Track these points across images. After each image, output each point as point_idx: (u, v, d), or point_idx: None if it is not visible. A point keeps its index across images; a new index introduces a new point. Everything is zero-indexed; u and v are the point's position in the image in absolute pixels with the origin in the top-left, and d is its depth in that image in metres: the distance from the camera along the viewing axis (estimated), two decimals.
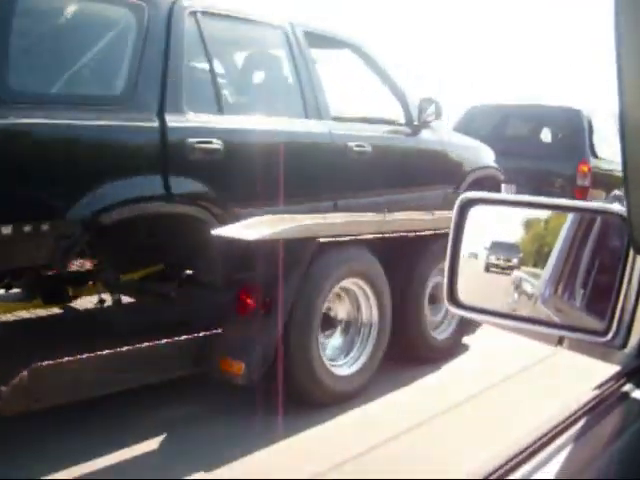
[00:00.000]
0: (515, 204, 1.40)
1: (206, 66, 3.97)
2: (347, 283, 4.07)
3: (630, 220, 0.90)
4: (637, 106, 0.79)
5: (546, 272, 1.29)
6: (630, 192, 0.85)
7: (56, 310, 4.75)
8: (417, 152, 5.23)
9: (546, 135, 8.43)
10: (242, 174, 4.00)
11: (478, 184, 5.87)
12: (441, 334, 4.89)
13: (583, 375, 1.55)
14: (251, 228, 3.63)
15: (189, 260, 4.12)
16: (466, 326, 5.04)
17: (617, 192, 8.14)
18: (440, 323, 4.94)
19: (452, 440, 3.52)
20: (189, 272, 4.25)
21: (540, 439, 0.90)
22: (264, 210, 3.99)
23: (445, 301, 1.38)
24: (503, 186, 6.26)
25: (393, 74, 5.15)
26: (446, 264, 1.35)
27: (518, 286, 1.33)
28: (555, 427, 0.92)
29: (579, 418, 0.95)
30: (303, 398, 3.86)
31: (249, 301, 3.71)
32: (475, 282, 1.38)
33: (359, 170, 4.68)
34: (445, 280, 1.36)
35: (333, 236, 3.85)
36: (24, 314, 4.51)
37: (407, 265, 4.53)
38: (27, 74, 3.38)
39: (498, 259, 1.35)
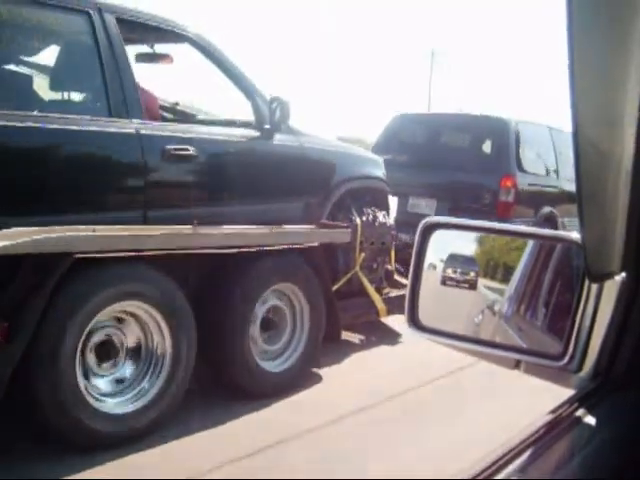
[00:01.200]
0: (476, 229, 1.41)
1: None
2: (128, 307, 3.51)
3: (585, 248, 0.94)
4: (591, 126, 0.78)
5: (509, 290, 1.30)
6: (584, 220, 0.88)
7: None
8: (265, 158, 4.66)
9: (472, 147, 7.84)
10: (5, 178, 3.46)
11: (355, 196, 5.30)
12: (280, 365, 4.31)
13: (537, 399, 1.59)
14: None
15: None
16: (313, 355, 4.46)
17: (547, 210, 7.52)
18: (280, 352, 4.36)
19: None
20: None
21: (490, 466, 0.87)
22: (42, 221, 3.44)
23: (406, 323, 1.39)
24: (423, 201, 5.69)
25: (240, 70, 4.60)
26: (408, 286, 1.38)
27: (481, 302, 1.33)
28: (506, 454, 0.90)
29: (531, 444, 0.94)
30: (61, 439, 3.30)
31: None
32: (432, 296, 1.39)
33: (180, 177, 4.14)
34: (406, 302, 1.38)
35: (95, 252, 3.28)
36: None
37: (223, 287, 3.95)
38: None
39: (455, 272, 1.37)
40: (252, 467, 3.28)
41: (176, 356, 3.64)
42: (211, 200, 4.32)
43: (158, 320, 3.60)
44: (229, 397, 4.04)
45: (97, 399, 3.41)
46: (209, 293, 3.90)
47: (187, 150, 4.11)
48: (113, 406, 3.48)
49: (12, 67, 3.96)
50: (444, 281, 1.37)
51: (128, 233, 3.49)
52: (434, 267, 1.38)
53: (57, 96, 4.12)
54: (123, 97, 3.91)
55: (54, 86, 4.13)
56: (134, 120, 3.94)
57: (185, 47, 4.58)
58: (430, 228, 1.36)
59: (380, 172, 5.62)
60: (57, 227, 3.33)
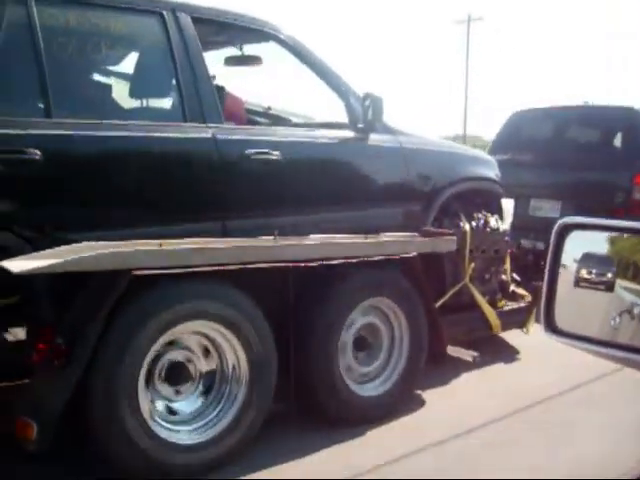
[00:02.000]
0: (617, 230, 1.35)
1: (34, 63, 3.26)
2: (200, 327, 3.22)
3: None
4: None
5: None
6: None
7: None
8: (360, 160, 4.28)
9: (600, 142, 7.07)
10: (74, 190, 3.30)
11: (463, 199, 4.81)
12: (376, 388, 3.90)
13: None
14: (38, 258, 2.89)
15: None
16: (414, 377, 4.02)
17: None
18: (377, 374, 3.94)
19: None
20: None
21: None
22: (116, 234, 3.26)
23: (543, 328, 1.36)
24: (547, 203, 5.13)
25: (331, 68, 4.24)
26: (543, 290, 1.36)
27: (619, 304, 1.25)
28: None
29: None
30: (120, 468, 3.05)
31: (44, 348, 2.96)
32: (565, 299, 1.35)
33: (263, 184, 3.82)
34: (542, 305, 1.36)
35: (156, 268, 3.01)
36: None
37: (308, 303, 3.58)
38: None
39: (590, 273, 1.31)
40: None
41: (253, 381, 3.31)
42: (299, 208, 3.98)
43: (233, 343, 3.28)
44: (314, 423, 3.68)
45: (165, 427, 3.14)
46: (291, 311, 3.54)
47: (270, 154, 3.81)
48: (183, 435, 3.19)
49: (83, 74, 3.79)
50: (577, 282, 1.33)
51: (195, 246, 3.20)
52: (564, 267, 1.35)
53: (131, 103, 3.93)
54: (199, 101, 3.66)
55: (129, 92, 3.94)
56: (211, 124, 3.68)
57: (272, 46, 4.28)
58: (567, 229, 1.34)
59: (492, 173, 5.09)
60: (116, 242, 3.11)
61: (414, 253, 3.92)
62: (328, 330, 3.61)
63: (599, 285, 1.29)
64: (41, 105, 3.26)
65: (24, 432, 2.89)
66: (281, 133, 4.06)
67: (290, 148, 3.93)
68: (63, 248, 3.05)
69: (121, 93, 3.86)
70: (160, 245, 3.13)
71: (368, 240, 3.81)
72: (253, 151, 3.75)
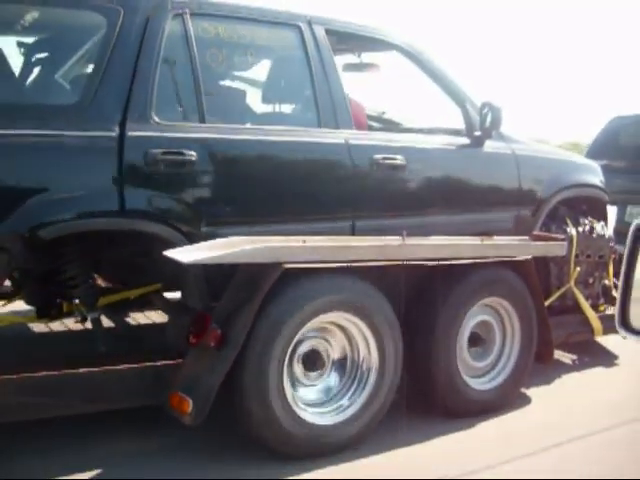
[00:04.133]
0: None
1: (191, 72, 3.59)
2: (335, 318, 3.49)
3: None
4: None
5: None
6: None
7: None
8: (475, 166, 4.48)
9: None
10: (225, 189, 3.62)
11: (570, 205, 4.96)
12: (486, 383, 4.11)
13: None
14: (200, 250, 3.21)
15: (171, 283, 3.79)
16: (523, 374, 4.21)
17: None
18: (488, 370, 4.15)
19: None
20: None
21: None
22: (255, 230, 3.57)
23: (617, 325, 1.40)
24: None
25: (450, 76, 4.46)
26: (619, 289, 1.40)
27: None
28: None
29: None
30: (264, 445, 3.35)
31: (201, 332, 3.28)
32: None
33: (389, 187, 4.08)
34: (617, 304, 1.40)
35: (304, 262, 3.30)
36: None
37: (431, 301, 3.82)
38: None
39: None
40: None
41: (382, 370, 3.57)
42: (419, 210, 4.21)
43: (365, 333, 3.55)
44: (427, 414, 3.91)
45: (302, 409, 3.43)
46: (415, 306, 3.79)
47: (395, 159, 4.05)
48: (317, 417, 3.47)
49: (230, 82, 4.12)
50: None
51: (338, 244, 3.48)
52: None
53: (270, 109, 4.22)
54: (333, 108, 3.93)
55: (267, 99, 4.25)
56: (343, 130, 3.95)
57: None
58: None
59: (597, 179, 5.22)
60: (268, 237, 3.41)
61: (529, 256, 4.11)
62: (448, 326, 3.84)
63: None
64: (196, 111, 3.58)
65: (180, 406, 3.22)
66: (405, 139, 4.29)
67: (413, 153, 4.16)
68: (217, 242, 3.37)
69: (261, 100, 4.16)
70: (304, 241, 3.41)
71: (487, 242, 4.02)
72: (380, 156, 4.00)
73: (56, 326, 4.48)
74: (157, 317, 4.73)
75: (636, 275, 1.37)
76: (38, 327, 4.50)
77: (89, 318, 3.71)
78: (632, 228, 1.38)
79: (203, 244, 3.33)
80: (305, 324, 3.36)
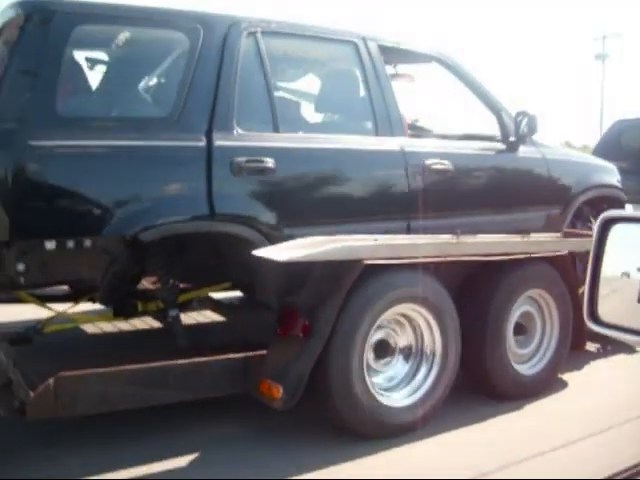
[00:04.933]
0: None
1: (264, 86, 3.91)
2: (405, 309, 3.83)
3: None
4: None
5: None
6: None
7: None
8: (512, 170, 4.86)
9: None
10: (298, 193, 3.94)
11: (592, 205, 5.36)
12: (530, 369, 4.47)
13: None
14: (289, 249, 3.53)
15: (249, 280, 4.09)
16: (562, 362, 4.58)
17: None
18: (530, 356, 4.51)
19: None
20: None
21: None
22: (324, 230, 3.88)
23: (585, 318, 1.39)
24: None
25: (485, 86, 4.83)
26: (587, 282, 1.37)
27: None
28: None
29: None
30: (345, 427, 3.67)
31: (289, 324, 3.60)
32: (627, 310, 1.31)
33: (438, 189, 4.42)
34: (585, 297, 1.37)
35: (381, 259, 3.64)
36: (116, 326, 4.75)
37: (483, 292, 4.18)
38: (76, 99, 3.54)
39: None
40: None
41: (445, 356, 3.92)
42: (464, 210, 4.57)
43: (430, 322, 3.89)
44: (475, 397, 4.25)
45: (378, 393, 3.75)
46: (469, 298, 4.13)
47: (444, 164, 4.40)
48: (390, 400, 3.80)
49: (296, 94, 4.44)
50: None
51: (409, 242, 3.82)
52: (627, 276, 1.28)
53: (332, 118, 4.55)
54: (388, 117, 4.27)
55: (329, 109, 4.57)
56: (398, 138, 4.29)
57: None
58: (610, 222, 1.32)
59: (615, 180, 5.63)
60: (343, 237, 3.74)
61: (566, 251, 4.49)
62: (498, 317, 4.19)
63: None
64: (270, 121, 3.89)
65: (270, 392, 3.53)
66: (450, 145, 4.65)
67: (459, 158, 4.52)
68: (298, 242, 3.69)
69: (324, 110, 4.49)
70: (375, 240, 3.74)
71: (530, 239, 4.39)
72: (431, 161, 4.35)
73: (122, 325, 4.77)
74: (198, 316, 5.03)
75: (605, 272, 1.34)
76: (106, 326, 4.78)
77: (170, 315, 4.00)
78: (598, 222, 1.34)
79: (287, 244, 3.65)
80: (381, 315, 3.70)
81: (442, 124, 5.75)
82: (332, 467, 3.40)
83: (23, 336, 4.17)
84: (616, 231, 1.32)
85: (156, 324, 5.11)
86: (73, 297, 4.61)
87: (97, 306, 4.65)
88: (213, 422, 3.88)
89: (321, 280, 3.65)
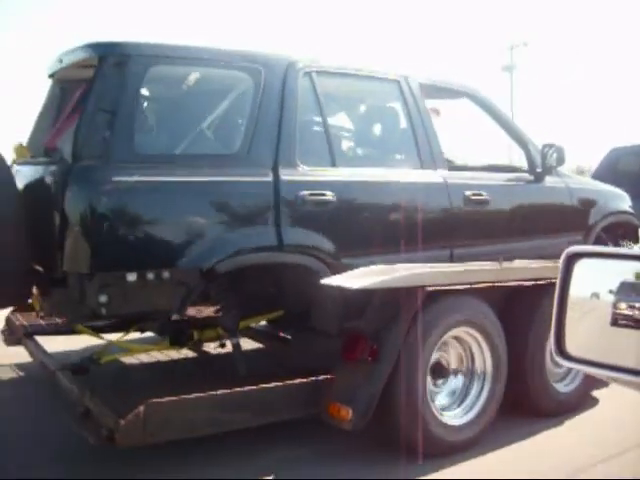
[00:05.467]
0: (624, 257, 1.34)
1: (321, 122, 4.15)
2: (458, 332, 4.05)
3: None
4: None
5: None
6: None
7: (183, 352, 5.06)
8: (540, 199, 5.15)
9: None
10: (355, 224, 4.15)
11: (610, 231, 5.67)
12: (565, 387, 4.71)
13: None
14: (357, 277, 3.73)
15: (304, 308, 4.28)
16: (594, 380, 4.83)
17: None
18: (565, 375, 4.76)
19: None
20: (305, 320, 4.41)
21: None
22: (378, 259, 4.09)
23: (553, 353, 1.37)
24: None
25: (513, 121, 5.12)
26: (553, 316, 1.37)
27: None
28: None
29: None
30: (410, 446, 3.85)
31: (357, 348, 3.79)
32: (597, 336, 1.30)
33: (476, 219, 4.68)
34: (552, 331, 1.36)
35: (441, 285, 3.86)
36: (152, 355, 4.87)
37: (525, 314, 4.42)
38: (151, 137, 3.72)
39: (632, 307, 1.21)
40: None
41: (495, 374, 4.14)
42: (498, 238, 4.83)
43: (480, 343, 4.11)
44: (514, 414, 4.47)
45: (440, 413, 3.96)
46: (511, 319, 4.37)
47: (481, 195, 4.66)
48: (450, 419, 4.01)
49: (347, 129, 4.67)
50: (616, 320, 1.23)
51: (462, 269, 4.05)
52: (597, 297, 1.29)
53: (380, 153, 4.77)
54: (430, 150, 4.52)
55: (378, 144, 4.81)
56: (440, 170, 4.54)
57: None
58: (574, 257, 1.35)
59: (627, 206, 5.95)
60: (401, 265, 3.95)
61: None
62: (538, 336, 4.43)
63: None
64: (327, 157, 4.11)
65: (339, 414, 3.71)
66: (484, 176, 4.91)
67: (493, 189, 4.78)
68: (359, 271, 3.89)
69: (373, 145, 4.73)
70: (431, 267, 3.97)
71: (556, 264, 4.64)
72: (470, 192, 4.60)
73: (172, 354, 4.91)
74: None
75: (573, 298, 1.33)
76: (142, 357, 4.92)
77: (232, 343, 4.16)
78: (563, 256, 1.36)
79: (351, 273, 3.85)
80: (440, 338, 3.91)
81: (467, 156, 6.02)
82: None
83: (80, 366, 4.29)
84: (580, 266, 1.35)
85: (190, 353, 5.28)
86: (122, 328, 4.76)
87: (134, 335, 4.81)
88: (274, 445, 4.01)
89: (383, 306, 3.85)
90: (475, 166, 5.40)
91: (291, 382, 3.76)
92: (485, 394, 4.12)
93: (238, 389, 3.57)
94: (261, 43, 4.54)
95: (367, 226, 4.19)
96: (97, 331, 4.64)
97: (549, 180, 5.17)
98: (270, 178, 3.83)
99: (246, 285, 4.08)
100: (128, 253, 3.53)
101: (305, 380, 3.80)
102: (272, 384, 3.70)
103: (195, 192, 3.67)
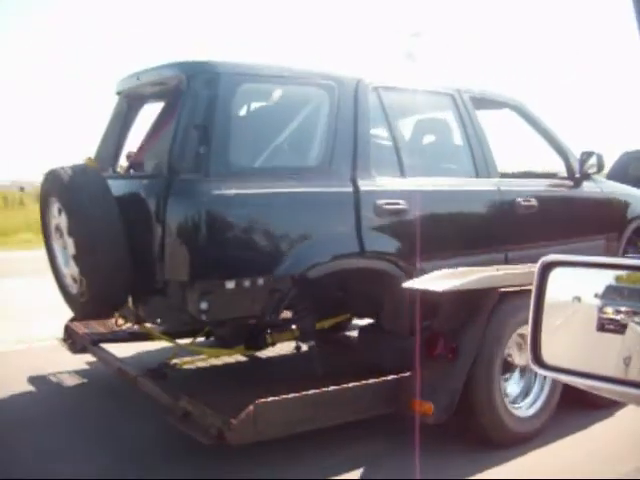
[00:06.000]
0: (598, 266, 1.34)
1: (389, 135, 4.41)
2: (523, 329, 4.32)
3: None
4: None
5: None
6: None
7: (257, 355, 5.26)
8: (579, 203, 5.46)
9: None
10: (423, 231, 4.38)
11: (637, 232, 6.00)
12: None
13: None
14: (438, 280, 3.99)
15: (373, 310, 4.53)
16: None
17: None
18: None
19: None
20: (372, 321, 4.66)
21: None
22: (443, 263, 4.35)
23: (530, 362, 1.37)
24: None
25: (552, 129, 5.42)
26: (529, 326, 1.37)
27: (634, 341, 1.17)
28: None
29: None
30: (485, 438, 4.11)
31: (437, 346, 4.04)
32: (579, 343, 1.30)
33: (526, 223, 4.96)
34: (529, 340, 1.36)
35: (512, 286, 4.13)
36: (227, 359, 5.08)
37: None
38: (242, 151, 3.94)
39: (618, 312, 1.19)
40: None
41: None
42: (545, 241, 5.12)
43: None
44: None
45: (512, 406, 4.23)
46: None
47: (530, 201, 4.95)
48: (519, 411, 4.28)
49: (410, 142, 4.94)
50: (602, 325, 1.22)
51: (528, 270, 4.32)
52: (578, 301, 1.28)
53: (440, 162, 5.03)
54: (484, 159, 4.81)
55: (437, 154, 5.07)
56: (493, 179, 4.82)
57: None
58: (549, 266, 1.35)
59: None
60: (473, 268, 4.22)
61: None
62: None
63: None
64: (397, 167, 4.37)
65: (422, 409, 3.96)
66: (531, 183, 5.21)
67: (539, 195, 5.08)
68: (435, 274, 4.15)
69: (432, 155, 5.00)
70: (497, 270, 4.24)
71: None
72: (521, 199, 4.89)
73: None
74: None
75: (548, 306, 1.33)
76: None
77: (309, 345, 4.40)
78: (539, 265, 1.37)
79: (429, 276, 4.11)
80: (511, 336, 4.19)
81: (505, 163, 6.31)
82: (486, 471, 3.85)
83: (158, 371, 4.49)
84: (555, 275, 1.34)
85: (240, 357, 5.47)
86: (191, 333, 4.97)
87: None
88: (354, 441, 4.23)
89: (458, 307, 4.11)
90: (520, 172, 5.70)
91: (376, 380, 3.99)
92: (547, 388, 4.40)
93: (333, 387, 3.80)
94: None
95: (433, 232, 4.44)
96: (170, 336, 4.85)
97: (586, 185, 5.48)
98: (351, 189, 4.07)
99: (322, 290, 4.31)
100: (227, 262, 3.73)
101: (388, 378, 4.04)
102: (361, 382, 3.93)
103: (286, 203, 3.90)
